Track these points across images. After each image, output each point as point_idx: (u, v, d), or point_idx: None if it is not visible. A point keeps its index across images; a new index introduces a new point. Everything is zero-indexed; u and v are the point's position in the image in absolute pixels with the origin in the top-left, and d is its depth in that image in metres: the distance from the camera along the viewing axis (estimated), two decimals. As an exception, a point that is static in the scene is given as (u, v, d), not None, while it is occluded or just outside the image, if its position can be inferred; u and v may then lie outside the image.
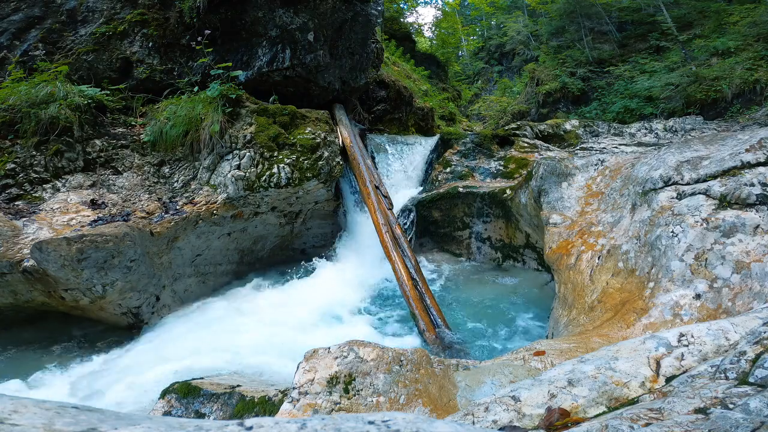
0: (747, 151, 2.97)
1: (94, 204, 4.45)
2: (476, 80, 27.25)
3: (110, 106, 5.28)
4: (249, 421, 0.52)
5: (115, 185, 4.74)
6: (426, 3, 44.51)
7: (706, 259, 2.56)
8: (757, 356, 1.23)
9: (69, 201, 4.38)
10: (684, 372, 1.40)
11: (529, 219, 4.85)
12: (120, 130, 5.16)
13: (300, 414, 1.81)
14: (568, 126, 8.63)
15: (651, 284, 2.72)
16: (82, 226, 4.08)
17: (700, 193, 2.90)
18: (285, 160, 5.17)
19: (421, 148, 7.13)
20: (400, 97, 8.78)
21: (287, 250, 6.17)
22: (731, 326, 1.58)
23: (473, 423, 1.37)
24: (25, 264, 3.67)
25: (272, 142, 5.21)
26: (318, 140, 5.44)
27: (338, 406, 1.84)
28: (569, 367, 1.54)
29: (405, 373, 1.99)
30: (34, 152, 4.52)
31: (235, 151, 5.10)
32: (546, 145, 7.32)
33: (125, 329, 4.31)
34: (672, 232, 2.80)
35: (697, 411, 1.06)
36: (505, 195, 5.38)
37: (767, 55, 9.98)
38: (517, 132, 7.79)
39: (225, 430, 0.51)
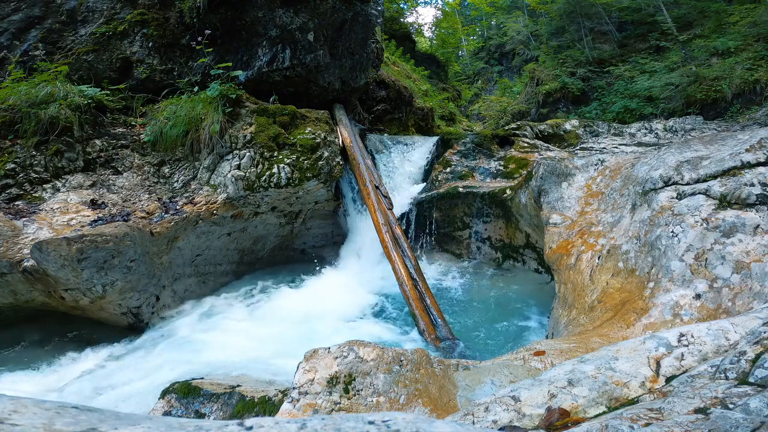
0: (747, 151, 2.97)
1: (94, 204, 4.45)
2: (476, 80, 27.24)
3: (110, 106, 5.28)
4: (249, 421, 0.52)
5: (115, 185, 4.74)
6: (426, 3, 44.51)
7: (706, 259, 2.56)
8: (757, 356, 1.23)
9: (69, 201, 4.38)
10: (684, 372, 1.40)
11: (529, 219, 4.85)
12: (120, 130, 5.16)
13: (300, 414, 1.81)
14: (568, 126, 8.63)
15: (651, 284, 2.72)
16: (82, 226, 4.08)
17: (700, 193, 2.90)
18: (285, 160, 5.17)
19: (421, 148, 7.13)
20: (400, 97, 8.78)
21: (287, 250, 6.17)
22: (731, 326, 1.58)
23: (473, 423, 1.37)
24: (25, 264, 3.67)
25: (272, 142, 5.21)
26: (318, 140, 5.44)
27: (338, 406, 1.84)
28: (569, 367, 1.54)
29: (405, 373, 1.99)
30: (34, 152, 4.52)
31: (235, 151, 5.10)
32: (546, 145, 7.32)
33: (125, 329, 4.31)
34: (672, 232, 2.80)
35: (697, 411, 1.06)
36: (505, 195, 5.38)
37: (767, 55, 9.98)
38: (517, 132, 7.78)
39: (225, 430, 0.51)
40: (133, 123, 5.33)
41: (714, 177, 2.95)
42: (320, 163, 5.36)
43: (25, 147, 4.50)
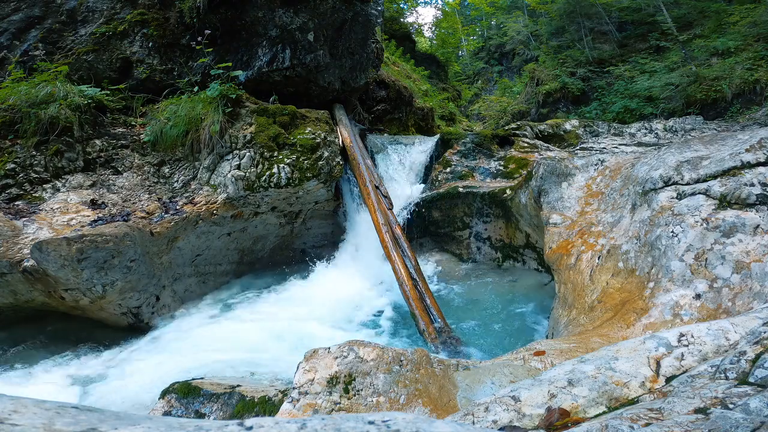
0: (747, 151, 2.97)
1: (94, 204, 4.45)
2: (476, 80, 27.24)
3: (110, 106, 5.28)
4: (249, 421, 0.52)
5: (115, 185, 4.74)
6: (426, 3, 44.52)
7: (706, 259, 2.56)
8: (757, 356, 1.23)
9: (69, 201, 4.38)
10: (684, 372, 1.40)
11: (529, 219, 4.84)
12: (120, 130, 5.16)
13: (300, 414, 1.81)
14: (568, 126, 8.63)
15: (651, 284, 2.72)
16: (82, 226, 4.08)
17: (700, 193, 2.90)
18: (285, 160, 5.17)
19: (421, 148, 7.12)
20: (400, 97, 8.78)
21: (287, 250, 6.17)
22: (731, 326, 1.58)
23: (473, 423, 1.37)
24: (25, 264, 3.67)
25: (272, 142, 5.21)
26: (318, 140, 5.44)
27: (338, 406, 1.84)
28: (569, 367, 1.54)
29: (405, 373, 1.99)
30: (34, 152, 4.52)
31: (235, 151, 5.10)
32: (546, 145, 7.31)
33: (125, 329, 4.31)
34: (672, 232, 2.80)
35: (697, 411, 1.06)
36: (505, 195, 5.37)
37: (767, 55, 9.98)
38: (517, 132, 7.78)
39: (225, 430, 0.50)
40: (133, 123, 5.33)
41: (714, 177, 2.95)
42: (320, 163, 5.36)
43: (25, 147, 4.50)
